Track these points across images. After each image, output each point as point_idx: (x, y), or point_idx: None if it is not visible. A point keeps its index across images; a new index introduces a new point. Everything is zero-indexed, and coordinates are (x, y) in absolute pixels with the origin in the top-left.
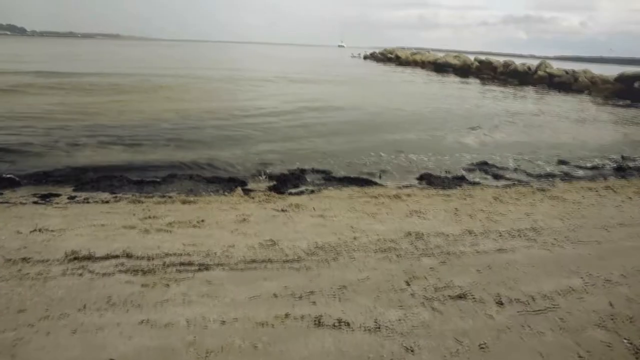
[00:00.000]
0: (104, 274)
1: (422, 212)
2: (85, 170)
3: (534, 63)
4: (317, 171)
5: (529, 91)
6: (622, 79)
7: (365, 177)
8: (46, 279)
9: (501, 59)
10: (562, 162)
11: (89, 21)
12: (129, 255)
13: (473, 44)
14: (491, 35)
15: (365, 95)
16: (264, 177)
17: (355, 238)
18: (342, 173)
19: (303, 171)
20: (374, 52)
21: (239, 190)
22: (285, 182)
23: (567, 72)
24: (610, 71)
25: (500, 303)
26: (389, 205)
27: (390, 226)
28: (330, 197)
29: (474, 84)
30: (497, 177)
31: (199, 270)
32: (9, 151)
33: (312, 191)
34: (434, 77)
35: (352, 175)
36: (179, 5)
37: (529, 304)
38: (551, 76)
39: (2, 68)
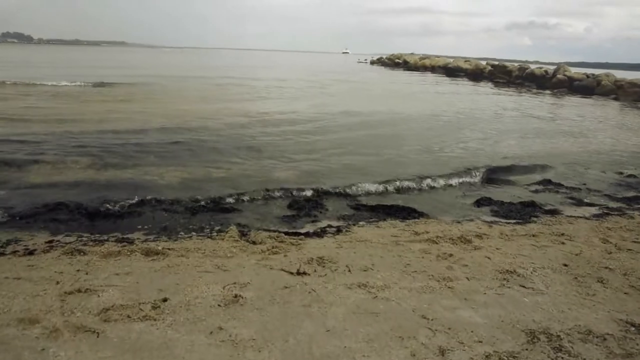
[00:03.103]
0: None
1: (519, 274)
2: (30, 196)
3: (547, 68)
4: (340, 195)
5: (547, 96)
6: None
7: (402, 203)
8: None
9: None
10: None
11: (95, 29)
12: None
13: (477, 50)
14: (495, 42)
15: (387, 102)
16: (269, 203)
17: (442, 352)
18: (373, 199)
19: (322, 194)
20: (381, 58)
21: (233, 229)
22: (299, 213)
23: (588, 76)
24: (619, 76)
25: None
26: (461, 258)
27: (488, 313)
28: (366, 240)
29: (495, 90)
30: (573, 200)
31: None
32: None
33: (339, 229)
34: (448, 81)
35: (387, 203)
36: (182, 14)
37: None
38: (571, 80)
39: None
